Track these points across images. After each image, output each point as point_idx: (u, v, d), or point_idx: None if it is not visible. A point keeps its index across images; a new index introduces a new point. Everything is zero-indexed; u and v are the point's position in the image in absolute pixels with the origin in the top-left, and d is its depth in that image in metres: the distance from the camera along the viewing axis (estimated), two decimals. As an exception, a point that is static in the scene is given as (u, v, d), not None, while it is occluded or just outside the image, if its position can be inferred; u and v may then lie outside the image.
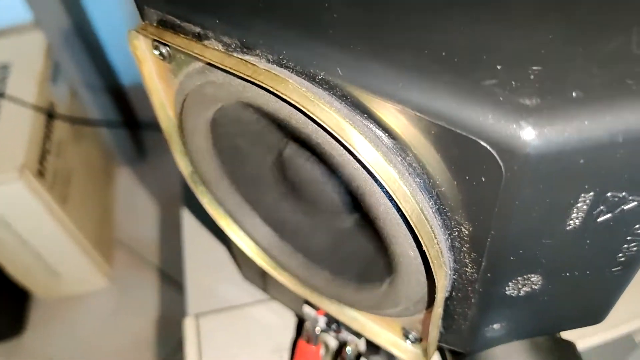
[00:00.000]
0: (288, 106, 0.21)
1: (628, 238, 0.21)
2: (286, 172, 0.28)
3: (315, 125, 0.20)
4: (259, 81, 0.20)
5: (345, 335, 0.36)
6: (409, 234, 0.22)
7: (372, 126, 0.20)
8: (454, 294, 0.25)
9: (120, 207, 1.15)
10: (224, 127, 0.28)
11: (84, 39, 1.01)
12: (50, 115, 0.92)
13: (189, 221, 0.50)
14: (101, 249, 1.01)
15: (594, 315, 0.28)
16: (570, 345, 0.32)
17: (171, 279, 1.03)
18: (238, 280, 0.46)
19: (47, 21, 0.95)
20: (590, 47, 0.18)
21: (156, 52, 0.25)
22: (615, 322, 0.41)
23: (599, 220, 0.20)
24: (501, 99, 0.17)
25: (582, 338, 0.39)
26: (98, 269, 1.00)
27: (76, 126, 1.02)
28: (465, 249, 0.22)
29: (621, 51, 0.18)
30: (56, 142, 0.92)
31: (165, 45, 0.25)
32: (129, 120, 1.19)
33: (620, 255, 0.22)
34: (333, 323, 0.36)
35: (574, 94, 0.17)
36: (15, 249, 0.90)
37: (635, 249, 0.22)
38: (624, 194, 0.19)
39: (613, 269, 0.23)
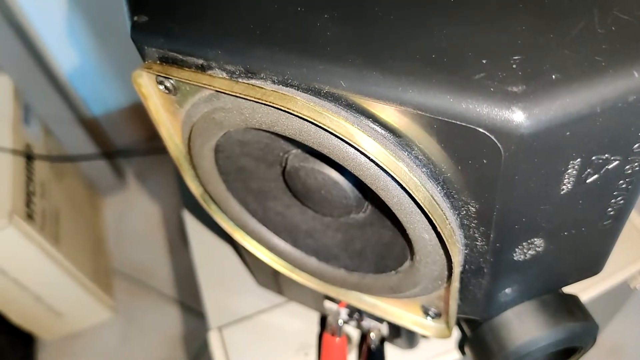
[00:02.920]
0: (299, 121, 0.23)
1: (615, 193, 0.24)
2: (292, 183, 0.30)
3: (327, 134, 0.22)
4: (269, 102, 0.22)
5: (367, 322, 0.38)
6: (423, 219, 0.24)
7: (378, 128, 0.22)
8: (467, 267, 0.27)
9: (111, 237, 1.15)
10: (228, 150, 0.29)
11: (49, 77, 1.01)
12: (28, 157, 0.91)
13: (195, 238, 0.52)
14: (100, 282, 1.01)
15: (593, 267, 0.31)
16: (574, 298, 0.35)
17: (174, 299, 1.04)
18: (253, 287, 0.47)
19: (11, 64, 0.94)
20: (559, 33, 0.21)
21: (161, 87, 0.27)
22: (610, 272, 0.44)
23: (588, 181, 0.23)
24: (492, 89, 0.19)
25: (583, 291, 0.42)
26: (100, 302, 1.00)
27: (56, 164, 1.01)
28: (473, 224, 0.24)
29: (587, 32, 0.20)
30: (39, 182, 0.92)
31: (169, 79, 0.26)
32: (106, 149, 1.19)
33: (609, 209, 0.25)
34: (355, 313, 0.38)
35: (553, 76, 0.19)
36: (14, 295, 0.89)
37: (622, 202, 0.25)
38: (606, 155, 0.22)
39: (605, 223, 0.26)
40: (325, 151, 0.23)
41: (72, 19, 1.02)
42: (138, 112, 1.20)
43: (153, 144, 1.23)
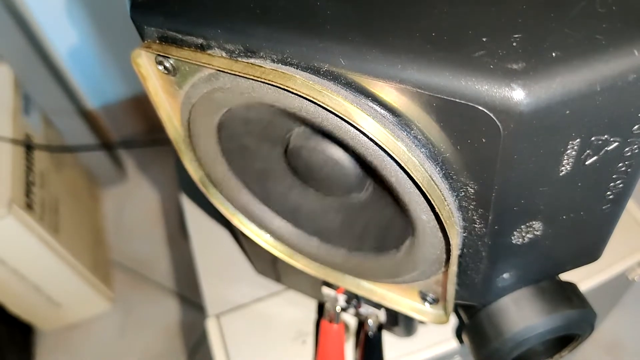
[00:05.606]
0: (299, 99, 0.23)
1: (614, 176, 0.24)
2: (295, 162, 0.30)
3: (326, 113, 0.22)
4: (268, 80, 0.22)
5: (365, 309, 0.38)
6: (422, 199, 0.24)
7: (377, 107, 0.22)
8: (465, 250, 0.27)
9: (110, 228, 1.15)
10: (231, 129, 0.29)
11: (50, 67, 1.00)
12: (28, 146, 0.91)
13: (193, 225, 0.52)
14: (99, 273, 1.01)
15: (591, 253, 0.30)
16: (572, 285, 0.35)
17: (172, 291, 1.04)
18: (252, 275, 0.47)
19: (11, 54, 0.94)
20: (560, 11, 0.21)
21: (160, 67, 0.27)
22: (608, 263, 0.44)
23: (587, 163, 0.23)
24: (491, 67, 0.19)
25: (581, 282, 0.42)
26: (98, 293, 1.00)
27: (55, 154, 1.01)
28: (472, 206, 0.24)
29: (588, 11, 0.20)
30: (39, 172, 0.92)
31: (168, 59, 0.26)
32: (106, 141, 1.19)
33: (608, 193, 0.25)
34: (353, 299, 0.38)
35: (553, 54, 0.19)
36: (13, 285, 0.89)
37: (621, 185, 0.25)
38: (606, 136, 0.22)
39: (604, 207, 0.26)
40: (324, 129, 0.23)
41: (72, 8, 1.01)
42: (138, 104, 1.20)
43: (153, 135, 1.23)
